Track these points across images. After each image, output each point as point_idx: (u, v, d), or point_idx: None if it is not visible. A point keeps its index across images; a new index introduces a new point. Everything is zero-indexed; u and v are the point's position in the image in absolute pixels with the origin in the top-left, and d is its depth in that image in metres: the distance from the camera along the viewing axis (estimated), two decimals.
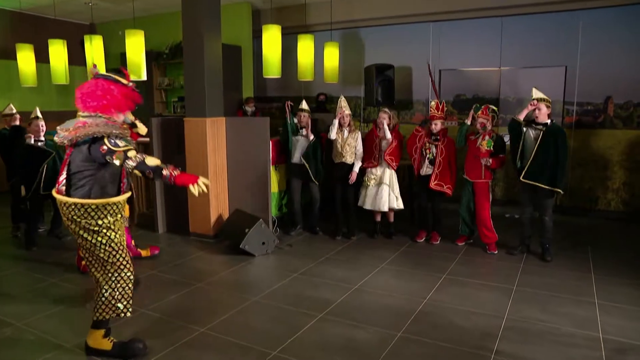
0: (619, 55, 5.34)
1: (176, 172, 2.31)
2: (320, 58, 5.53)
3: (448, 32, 6.21)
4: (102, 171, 2.41)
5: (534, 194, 4.04)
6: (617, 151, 5.51)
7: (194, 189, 2.28)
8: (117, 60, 7.62)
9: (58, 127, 2.42)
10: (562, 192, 3.96)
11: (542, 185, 3.92)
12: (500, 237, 4.33)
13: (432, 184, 4.35)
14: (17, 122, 4.61)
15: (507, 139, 4.32)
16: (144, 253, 4.11)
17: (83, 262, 3.64)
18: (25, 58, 5.46)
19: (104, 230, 2.41)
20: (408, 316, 3.03)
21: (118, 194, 2.49)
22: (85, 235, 2.41)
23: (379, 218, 4.76)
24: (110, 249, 2.44)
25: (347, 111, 4.61)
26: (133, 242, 4.10)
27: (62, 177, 2.42)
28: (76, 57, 6.72)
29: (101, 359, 2.53)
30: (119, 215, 2.49)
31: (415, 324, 2.94)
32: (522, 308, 3.15)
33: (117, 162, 2.31)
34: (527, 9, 5.71)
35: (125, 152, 2.30)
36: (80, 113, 2.44)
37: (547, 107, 3.92)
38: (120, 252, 2.48)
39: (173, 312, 3.12)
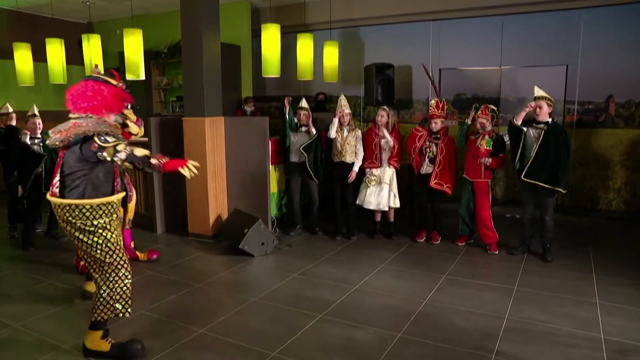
0: (621, 54, 5.32)
1: (164, 160, 2.33)
2: (319, 57, 5.51)
3: (448, 31, 6.19)
4: (96, 171, 2.42)
5: (535, 193, 4.03)
6: (618, 150, 5.49)
7: (184, 171, 2.29)
8: (115, 59, 7.59)
9: (50, 131, 2.44)
10: (563, 191, 3.93)
11: (544, 185, 3.90)
12: (500, 237, 4.31)
13: (432, 183, 4.33)
14: (14, 122, 4.58)
15: (507, 138, 4.30)
16: (141, 256, 4.08)
17: (82, 263, 3.63)
18: (23, 57, 5.43)
19: (100, 231, 2.41)
20: (408, 317, 3.02)
21: (112, 193, 2.50)
22: (81, 236, 2.41)
23: (378, 218, 4.75)
24: (107, 249, 2.43)
25: (347, 110, 4.59)
26: (133, 244, 4.08)
27: (56, 180, 2.43)
28: (74, 56, 6.70)
29: None
30: (115, 215, 2.49)
31: (415, 324, 2.92)
32: (522, 308, 3.14)
33: (107, 157, 2.32)
34: (527, 8, 5.69)
35: (114, 146, 2.32)
36: (71, 115, 2.46)
37: (549, 105, 3.90)
38: (117, 251, 2.47)
39: (172, 312, 3.10)
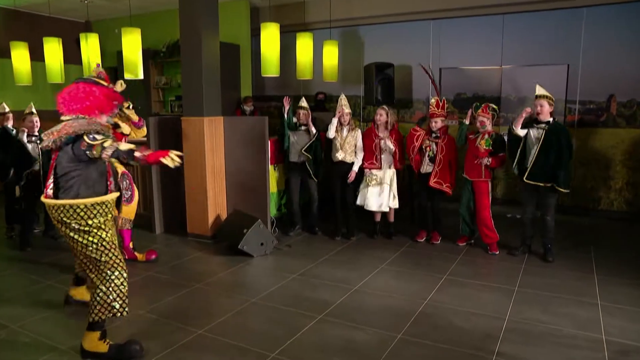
0: (622, 53, 5.29)
1: (147, 152, 2.34)
2: (319, 56, 5.49)
3: (448, 30, 6.17)
4: (89, 170, 2.44)
5: (536, 193, 4.01)
6: (620, 150, 5.47)
7: (166, 161, 2.29)
8: (113, 58, 7.57)
9: (43, 134, 2.47)
10: (564, 190, 3.90)
11: (547, 184, 3.88)
12: (501, 238, 4.29)
13: (432, 182, 4.31)
14: (10, 122, 4.54)
15: (507, 138, 4.28)
16: (140, 257, 4.06)
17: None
18: (20, 56, 5.41)
19: (95, 230, 2.43)
20: (408, 317, 3.00)
21: (106, 193, 2.52)
22: (76, 236, 2.42)
23: (378, 218, 4.73)
24: (102, 248, 2.45)
25: (347, 110, 4.57)
26: (131, 244, 4.06)
27: (50, 181, 2.45)
28: (72, 55, 6.67)
29: None
30: (110, 215, 2.51)
31: (415, 325, 2.91)
32: (523, 309, 3.12)
33: (96, 154, 2.35)
34: (528, 7, 5.67)
35: (102, 143, 2.34)
36: (62, 117, 2.49)
37: (550, 104, 3.88)
38: (112, 250, 2.48)
39: (170, 313, 3.09)
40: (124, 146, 2.34)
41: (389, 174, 4.53)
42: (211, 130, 4.59)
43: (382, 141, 4.48)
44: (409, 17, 6.29)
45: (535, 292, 3.39)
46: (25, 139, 4.34)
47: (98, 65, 3.94)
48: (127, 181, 3.90)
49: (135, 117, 3.81)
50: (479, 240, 4.41)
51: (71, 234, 2.42)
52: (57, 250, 4.34)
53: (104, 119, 2.56)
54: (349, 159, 4.57)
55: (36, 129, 4.37)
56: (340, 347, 2.67)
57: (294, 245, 4.54)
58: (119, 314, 2.50)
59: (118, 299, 2.48)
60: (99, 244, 2.44)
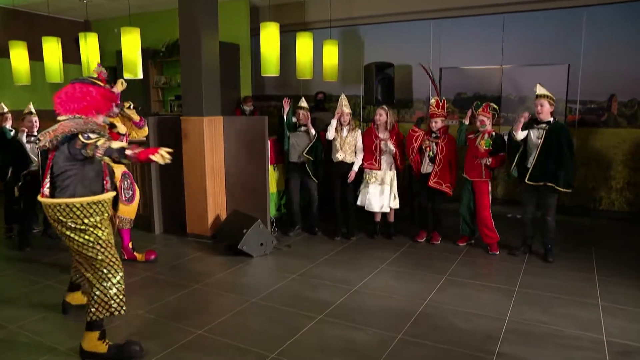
0: (623, 53, 5.28)
1: (138, 150, 2.35)
2: (319, 56, 5.47)
3: (449, 29, 6.15)
4: (86, 169, 2.45)
5: (537, 193, 4.00)
6: (621, 150, 5.45)
7: (155, 157, 2.29)
8: (112, 58, 7.56)
9: (39, 134, 2.48)
10: (564, 190, 3.88)
11: (549, 184, 3.86)
12: (502, 238, 4.28)
13: (431, 182, 4.30)
14: (9, 122, 4.52)
15: (507, 137, 4.27)
16: (139, 257, 4.04)
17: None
18: (19, 56, 5.39)
19: (91, 229, 2.44)
20: (408, 318, 2.99)
21: (102, 192, 2.53)
22: (72, 235, 2.44)
23: (378, 218, 4.72)
24: (98, 247, 2.46)
25: (348, 110, 4.55)
26: (131, 244, 4.05)
27: (46, 181, 2.46)
28: (70, 54, 6.64)
29: None
30: (106, 215, 2.52)
31: (415, 325, 2.90)
32: (524, 310, 3.11)
33: (90, 153, 2.36)
34: (529, 6, 5.66)
35: (95, 142, 2.36)
36: (59, 117, 2.50)
37: (551, 104, 3.87)
38: (108, 249, 2.50)
39: (170, 313, 3.08)
40: (115, 144, 2.36)
41: (389, 175, 4.52)
42: (211, 130, 4.58)
43: (383, 142, 4.47)
44: (409, 16, 6.28)
45: (536, 293, 3.38)
46: (24, 139, 4.33)
47: (99, 64, 3.94)
48: (129, 181, 3.90)
49: (136, 117, 3.81)
50: (479, 240, 4.40)
51: (67, 233, 2.44)
52: (56, 250, 4.33)
53: (100, 119, 2.58)
54: (349, 159, 4.56)
55: (35, 129, 4.36)
56: (340, 347, 2.66)
57: (293, 246, 4.52)
58: (117, 313, 2.51)
59: (115, 297, 2.49)
60: (95, 243, 2.45)
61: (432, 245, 4.50)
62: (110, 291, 2.48)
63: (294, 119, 4.71)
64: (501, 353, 2.58)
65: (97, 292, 2.47)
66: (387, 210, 4.57)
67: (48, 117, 4.08)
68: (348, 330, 2.84)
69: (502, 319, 2.98)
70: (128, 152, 2.31)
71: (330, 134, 4.53)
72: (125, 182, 3.87)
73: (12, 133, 4.45)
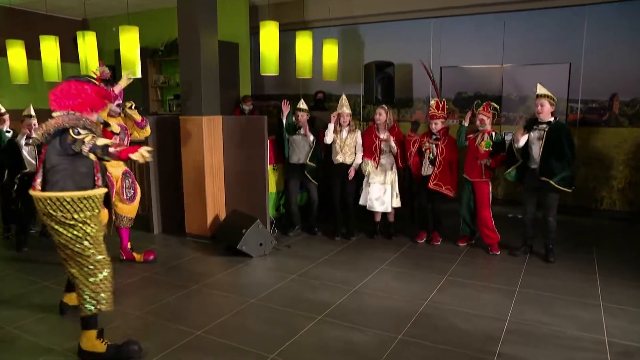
0: (625, 52, 5.26)
1: (120, 148, 2.36)
2: (318, 55, 5.45)
3: (449, 28, 6.14)
4: (76, 164, 2.46)
5: (538, 193, 3.98)
6: (622, 150, 5.43)
7: (136, 156, 2.29)
8: (111, 57, 7.53)
9: (34, 131, 2.48)
10: (564, 189, 3.86)
11: (551, 182, 3.84)
12: (502, 238, 4.26)
13: (431, 184, 4.28)
14: (6, 125, 4.48)
15: (508, 137, 4.26)
16: (137, 257, 4.02)
17: (128, 246, 3.90)
18: (16, 55, 5.37)
19: (80, 225, 2.45)
20: (408, 318, 2.98)
21: (93, 187, 2.53)
22: (60, 229, 2.45)
23: (378, 218, 4.70)
24: (86, 243, 2.46)
25: (348, 110, 4.52)
26: (129, 244, 4.03)
27: (39, 175, 2.47)
28: (68, 53, 6.61)
29: None
30: (96, 211, 2.52)
31: (415, 326, 2.88)
32: (525, 310, 3.09)
33: (77, 149, 2.37)
34: (529, 5, 5.64)
35: (83, 138, 2.37)
36: (53, 113, 2.51)
37: (551, 104, 3.85)
38: (95, 245, 2.50)
39: (169, 314, 3.06)
40: (100, 141, 2.37)
41: (389, 175, 4.50)
42: (210, 129, 4.56)
43: (384, 143, 4.44)
44: (410, 15, 6.26)
45: (537, 293, 3.37)
46: (23, 142, 4.29)
47: (101, 63, 3.93)
48: (130, 180, 3.88)
49: (138, 117, 3.80)
50: (479, 240, 4.38)
51: (56, 227, 2.44)
52: (53, 250, 4.23)
53: (94, 117, 2.59)
54: (348, 161, 4.54)
55: (34, 133, 4.31)
56: (340, 348, 2.64)
57: (293, 246, 4.51)
58: (104, 308, 2.50)
59: (102, 293, 2.50)
60: (83, 238, 2.46)
61: (432, 245, 4.49)
62: (97, 287, 2.49)
63: (293, 119, 4.69)
64: (502, 354, 2.56)
65: (85, 289, 2.48)
66: (389, 209, 4.55)
67: (46, 117, 4.06)
68: (348, 331, 2.82)
69: (503, 319, 2.97)
70: (111, 149, 2.32)
71: (329, 139, 4.51)
72: (127, 181, 3.85)
73: (9, 135, 4.42)
